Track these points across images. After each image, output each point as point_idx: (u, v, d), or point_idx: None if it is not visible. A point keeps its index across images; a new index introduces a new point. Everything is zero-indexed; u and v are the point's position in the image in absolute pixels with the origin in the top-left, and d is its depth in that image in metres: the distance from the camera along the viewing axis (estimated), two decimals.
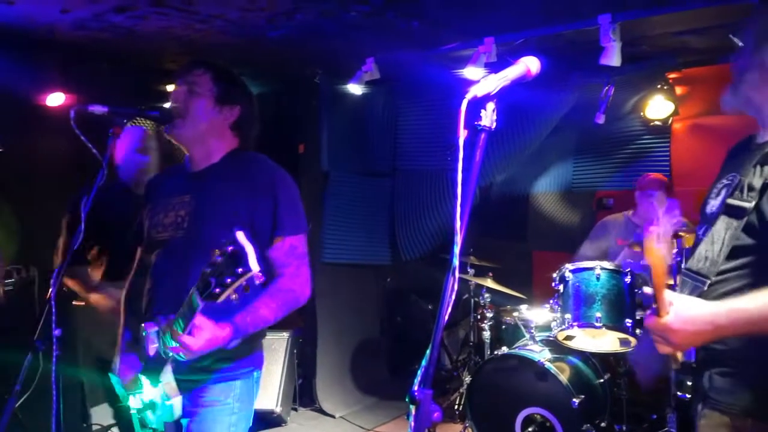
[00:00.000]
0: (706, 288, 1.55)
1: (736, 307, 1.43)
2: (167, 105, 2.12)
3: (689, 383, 1.65)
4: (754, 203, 1.51)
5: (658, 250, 1.41)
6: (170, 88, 2.19)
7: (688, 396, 1.65)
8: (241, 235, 1.59)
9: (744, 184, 1.55)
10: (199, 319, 1.75)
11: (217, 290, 1.61)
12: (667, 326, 1.46)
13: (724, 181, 1.67)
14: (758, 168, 1.55)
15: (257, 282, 1.61)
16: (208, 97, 2.05)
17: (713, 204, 1.67)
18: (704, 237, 1.61)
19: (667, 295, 1.47)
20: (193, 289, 1.68)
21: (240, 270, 1.57)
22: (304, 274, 2.03)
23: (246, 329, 1.89)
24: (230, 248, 1.58)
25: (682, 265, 1.65)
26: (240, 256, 1.57)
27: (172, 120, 2.04)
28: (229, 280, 1.59)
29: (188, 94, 2.03)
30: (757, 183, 1.52)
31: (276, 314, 1.95)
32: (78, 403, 3.81)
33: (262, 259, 1.97)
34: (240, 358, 1.99)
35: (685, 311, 1.46)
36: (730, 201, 1.56)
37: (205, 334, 1.77)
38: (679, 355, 1.59)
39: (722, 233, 1.55)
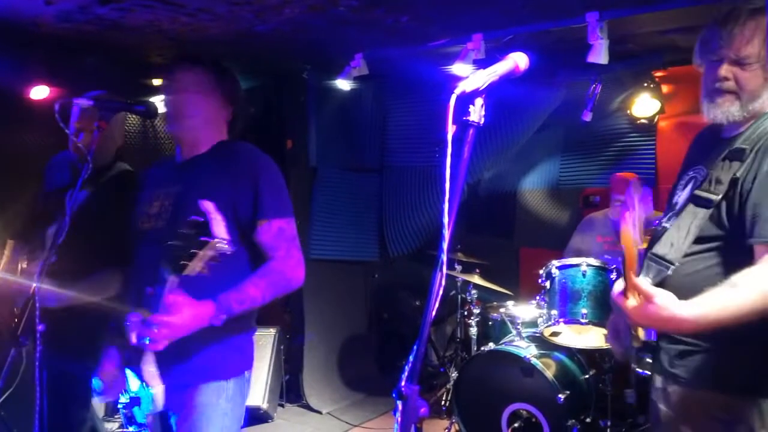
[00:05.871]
0: (670, 272, 1.61)
1: (704, 312, 1.44)
2: (154, 99, 2.11)
3: (649, 360, 1.72)
4: (720, 196, 1.58)
5: (631, 234, 1.46)
6: (156, 81, 2.18)
7: (648, 373, 1.73)
8: (206, 205, 1.58)
9: (712, 177, 1.61)
10: (175, 296, 1.71)
11: (183, 261, 1.59)
12: (629, 312, 1.52)
13: (691, 173, 1.74)
14: (726, 162, 1.61)
15: (225, 250, 1.59)
16: (214, 97, 2.07)
17: (680, 194, 1.74)
18: (669, 224, 1.68)
19: (649, 287, 1.48)
20: (162, 263, 1.67)
21: (204, 238, 1.56)
22: (295, 257, 2.00)
23: (230, 306, 1.83)
24: (194, 218, 1.58)
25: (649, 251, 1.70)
26: (204, 225, 1.57)
27: (172, 117, 2.04)
28: (194, 249, 1.58)
29: (194, 94, 2.03)
30: (725, 177, 1.58)
31: (264, 294, 1.91)
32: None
33: (248, 243, 1.96)
34: (231, 356, 1.97)
35: (658, 311, 1.46)
36: (699, 192, 1.63)
37: (184, 310, 1.72)
38: (641, 333, 1.65)
39: (688, 222, 1.62)
